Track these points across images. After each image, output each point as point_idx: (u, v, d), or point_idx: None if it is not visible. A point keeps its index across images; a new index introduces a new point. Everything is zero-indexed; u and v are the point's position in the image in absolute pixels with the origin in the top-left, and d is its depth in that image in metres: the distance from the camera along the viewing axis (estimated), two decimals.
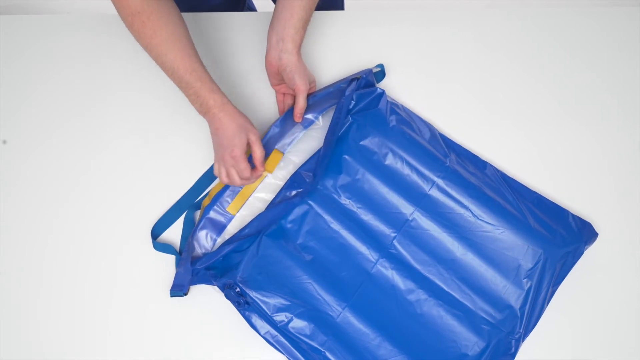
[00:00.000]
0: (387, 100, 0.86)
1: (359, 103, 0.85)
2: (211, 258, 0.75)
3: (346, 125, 0.84)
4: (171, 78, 0.74)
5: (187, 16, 0.96)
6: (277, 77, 0.81)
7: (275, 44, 0.77)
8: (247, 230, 0.77)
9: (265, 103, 0.90)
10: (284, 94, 0.85)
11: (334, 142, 0.81)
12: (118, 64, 0.92)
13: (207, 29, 0.95)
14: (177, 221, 0.83)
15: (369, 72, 0.86)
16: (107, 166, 0.87)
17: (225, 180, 0.76)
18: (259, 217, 0.77)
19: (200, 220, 0.80)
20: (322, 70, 0.92)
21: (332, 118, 0.82)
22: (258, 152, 0.76)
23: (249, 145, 0.76)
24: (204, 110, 0.75)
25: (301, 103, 0.80)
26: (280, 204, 0.78)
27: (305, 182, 0.80)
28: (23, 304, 0.79)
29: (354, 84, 0.84)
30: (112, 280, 0.80)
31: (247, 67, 0.92)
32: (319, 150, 0.82)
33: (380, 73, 0.89)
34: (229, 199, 0.81)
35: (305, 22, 0.78)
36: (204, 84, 0.74)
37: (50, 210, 0.84)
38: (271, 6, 1.14)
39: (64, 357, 0.76)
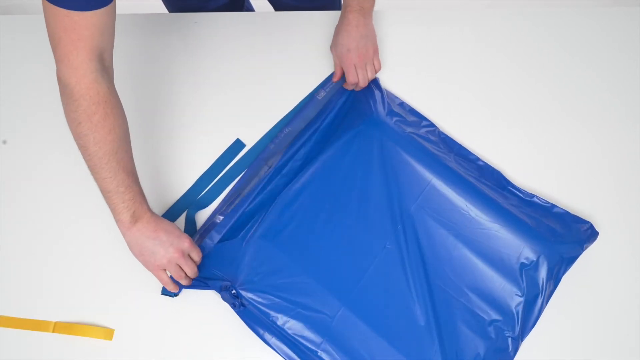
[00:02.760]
0: (383, 93, 0.87)
1: (355, 94, 0.87)
2: (227, 223, 0.78)
3: (337, 119, 0.85)
4: (106, 175, 0.68)
5: (187, 16, 0.97)
6: None
7: None
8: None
9: (266, 103, 0.90)
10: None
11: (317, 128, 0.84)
12: (117, 63, 0.92)
13: (207, 29, 0.95)
14: (178, 220, 0.83)
15: None
16: None
17: (169, 285, 0.74)
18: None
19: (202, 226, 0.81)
20: (323, 70, 0.92)
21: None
22: (197, 257, 0.76)
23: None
24: (138, 214, 0.70)
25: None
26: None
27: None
28: (23, 303, 0.79)
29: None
30: (112, 279, 0.80)
31: (247, 67, 0.92)
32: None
33: None
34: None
35: None
36: (140, 190, 0.72)
37: (50, 209, 0.84)
38: (269, 7, 1.15)
39: (63, 356, 0.76)
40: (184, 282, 0.75)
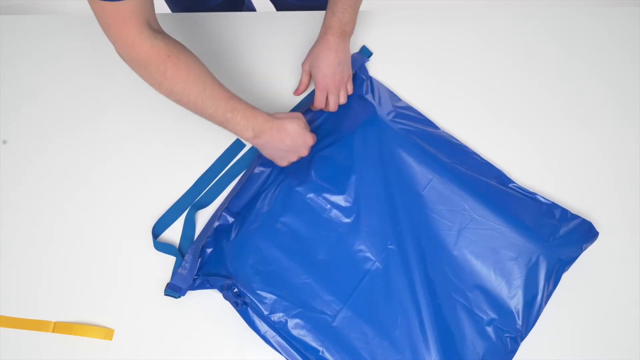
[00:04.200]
0: (383, 92, 0.88)
1: (355, 94, 0.87)
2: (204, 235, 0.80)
3: (336, 117, 0.86)
4: (209, 112, 0.72)
5: (187, 16, 0.97)
6: None
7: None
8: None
9: (266, 103, 0.90)
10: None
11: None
12: (117, 63, 0.92)
13: (207, 29, 0.95)
14: (178, 221, 0.83)
15: (356, 58, 0.89)
16: (107, 165, 0.87)
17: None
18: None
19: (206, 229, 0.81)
20: None
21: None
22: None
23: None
24: (258, 128, 0.74)
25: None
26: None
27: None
28: (23, 303, 0.79)
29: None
30: (112, 279, 0.80)
31: (247, 67, 0.92)
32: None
33: (365, 51, 0.92)
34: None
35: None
36: (247, 106, 0.74)
37: (50, 209, 0.84)
38: (270, 6, 1.15)
39: (63, 356, 0.76)
40: None
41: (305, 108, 0.88)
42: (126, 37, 0.67)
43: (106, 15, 0.65)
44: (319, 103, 0.86)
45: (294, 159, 0.81)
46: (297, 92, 0.90)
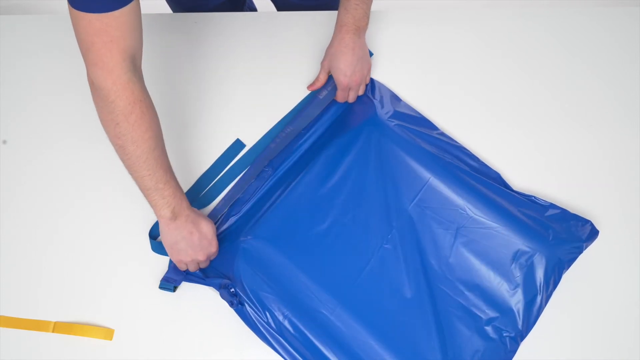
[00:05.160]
0: (382, 93, 0.87)
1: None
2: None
3: (335, 117, 0.86)
4: (144, 173, 0.69)
5: (187, 16, 0.97)
6: None
7: None
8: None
9: (266, 103, 0.90)
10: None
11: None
12: None
13: (207, 29, 0.95)
14: None
15: None
16: (107, 166, 0.86)
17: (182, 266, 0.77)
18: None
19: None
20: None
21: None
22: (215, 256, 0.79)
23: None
24: (177, 211, 0.72)
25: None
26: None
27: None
28: (23, 303, 0.79)
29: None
30: (112, 279, 0.80)
31: (247, 67, 0.92)
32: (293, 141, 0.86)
33: None
34: None
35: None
36: (178, 186, 0.73)
37: (50, 209, 0.84)
38: (271, 6, 1.15)
39: (63, 356, 0.76)
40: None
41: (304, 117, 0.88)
42: (107, 62, 0.62)
43: (91, 33, 0.61)
44: (341, 99, 0.88)
45: (187, 259, 0.74)
46: (311, 88, 0.89)
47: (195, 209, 0.76)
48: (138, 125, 0.66)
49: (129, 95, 0.65)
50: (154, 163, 0.69)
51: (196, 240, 0.74)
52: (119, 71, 0.63)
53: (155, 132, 0.69)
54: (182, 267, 0.77)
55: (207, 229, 0.75)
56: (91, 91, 0.66)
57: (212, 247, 0.76)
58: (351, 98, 0.88)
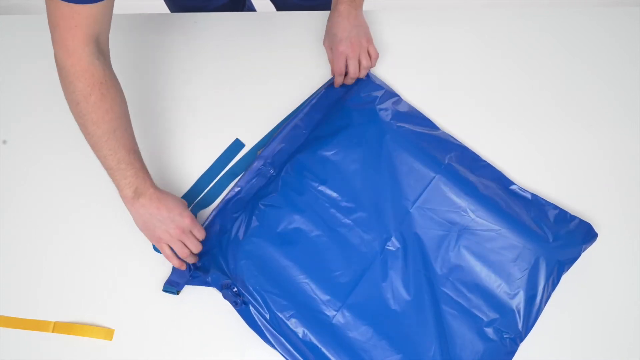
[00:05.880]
0: (383, 92, 0.87)
1: (354, 93, 0.87)
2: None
3: (339, 118, 0.85)
4: (106, 152, 0.70)
5: (187, 16, 0.97)
6: None
7: None
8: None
9: (266, 103, 0.90)
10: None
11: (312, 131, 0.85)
12: (117, 63, 0.92)
13: (207, 29, 0.95)
14: None
15: None
16: None
17: (173, 260, 0.75)
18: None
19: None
20: (324, 70, 0.92)
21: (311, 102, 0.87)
22: (199, 234, 0.76)
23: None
24: (141, 190, 0.72)
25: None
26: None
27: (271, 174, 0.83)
28: (23, 303, 0.79)
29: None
30: (112, 279, 0.80)
31: (247, 67, 0.92)
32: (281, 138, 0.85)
33: None
34: None
35: None
36: (142, 167, 0.73)
37: (50, 209, 0.84)
38: (270, 6, 1.15)
39: (63, 356, 0.76)
40: (189, 259, 0.76)
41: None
42: (69, 45, 0.65)
43: (58, 15, 0.63)
44: (338, 69, 0.85)
45: (165, 236, 0.74)
46: (337, 82, 0.88)
47: (162, 190, 0.76)
48: (97, 107, 0.67)
49: (88, 77, 0.66)
50: (116, 144, 0.70)
51: (165, 213, 0.73)
52: (79, 54, 0.65)
53: (117, 114, 0.69)
54: (168, 252, 0.75)
55: (174, 203, 0.75)
56: (57, 69, 0.68)
57: (185, 219, 0.74)
58: (351, 70, 0.84)
